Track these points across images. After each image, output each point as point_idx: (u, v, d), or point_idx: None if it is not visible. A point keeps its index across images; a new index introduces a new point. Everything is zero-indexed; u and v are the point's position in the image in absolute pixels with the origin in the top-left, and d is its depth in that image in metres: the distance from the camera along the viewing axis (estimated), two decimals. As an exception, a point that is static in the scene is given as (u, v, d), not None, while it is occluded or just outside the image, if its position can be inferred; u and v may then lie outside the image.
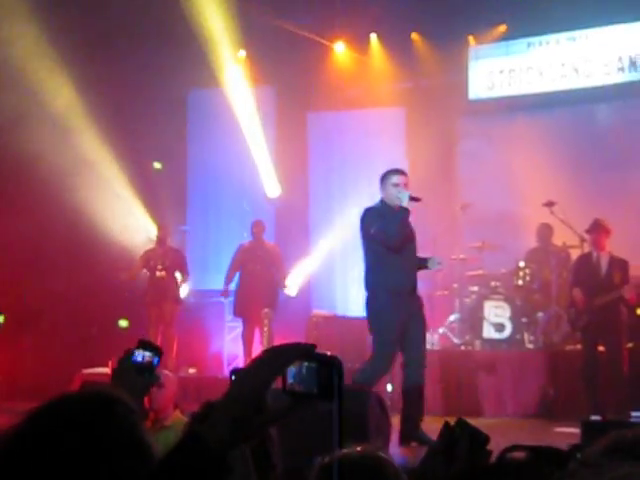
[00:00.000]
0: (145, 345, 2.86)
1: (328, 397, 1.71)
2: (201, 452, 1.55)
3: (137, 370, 2.78)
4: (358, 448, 2.52)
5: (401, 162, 13.06)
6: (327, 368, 1.70)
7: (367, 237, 7.75)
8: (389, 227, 7.55)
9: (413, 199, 7.61)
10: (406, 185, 7.78)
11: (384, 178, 7.88)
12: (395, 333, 7.55)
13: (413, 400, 7.50)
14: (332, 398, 1.73)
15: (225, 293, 12.03)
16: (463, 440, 1.87)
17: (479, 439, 1.90)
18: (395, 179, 7.79)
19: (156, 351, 2.85)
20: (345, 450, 2.47)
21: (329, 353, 1.70)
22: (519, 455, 1.75)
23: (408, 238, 7.71)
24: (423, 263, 7.86)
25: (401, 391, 7.73)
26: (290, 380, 1.71)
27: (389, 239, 7.59)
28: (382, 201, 7.79)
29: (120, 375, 2.80)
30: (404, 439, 7.31)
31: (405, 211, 7.58)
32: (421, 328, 7.73)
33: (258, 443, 2.45)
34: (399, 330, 7.53)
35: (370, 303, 7.76)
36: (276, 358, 1.69)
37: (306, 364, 1.70)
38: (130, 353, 2.82)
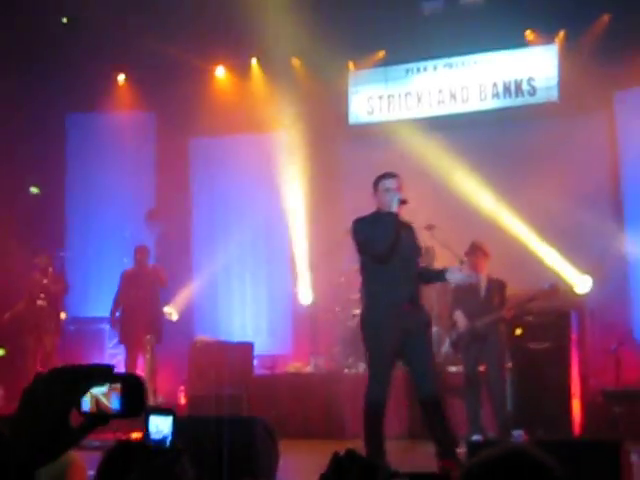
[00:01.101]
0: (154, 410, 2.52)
1: (133, 414, 1.74)
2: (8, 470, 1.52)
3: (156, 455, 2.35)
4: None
5: (282, 186, 13.16)
6: (129, 386, 1.72)
7: (357, 249, 7.32)
8: (376, 234, 7.10)
9: (403, 202, 7.06)
10: (399, 189, 7.17)
11: (376, 184, 7.28)
12: (386, 350, 7.03)
13: (431, 410, 7.00)
14: (138, 415, 1.76)
15: (113, 322, 11.89)
16: (353, 472, 1.86)
17: (370, 469, 1.89)
18: (387, 183, 7.22)
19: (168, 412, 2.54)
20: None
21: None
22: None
23: (402, 247, 7.13)
24: (439, 275, 7.40)
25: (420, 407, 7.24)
26: (86, 407, 1.72)
27: (374, 246, 7.13)
28: (376, 210, 7.25)
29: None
30: (447, 448, 6.84)
31: (393, 216, 7.04)
32: (423, 344, 7.11)
33: None
34: (391, 347, 7.01)
35: (363, 318, 7.32)
36: (72, 385, 1.67)
37: (106, 386, 1.72)
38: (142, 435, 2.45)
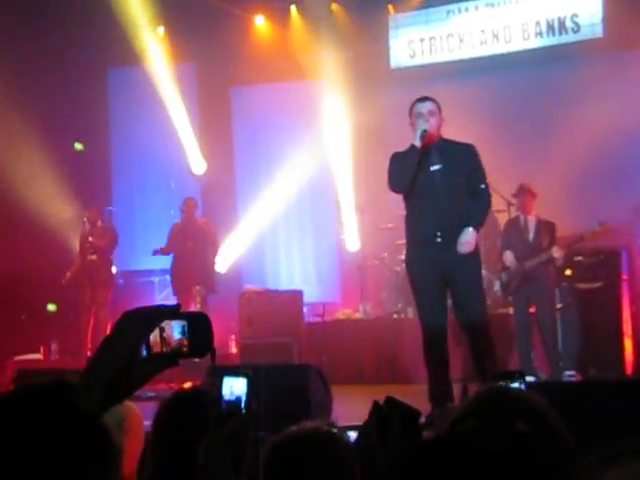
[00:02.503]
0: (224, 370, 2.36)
1: (200, 353, 1.76)
2: (72, 418, 1.53)
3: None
4: (309, 424, 2.51)
5: (325, 134, 13.11)
6: (196, 324, 1.74)
7: None
8: (398, 170, 6.67)
9: (426, 133, 6.53)
10: (432, 114, 6.65)
11: (410, 110, 6.75)
12: (423, 288, 6.71)
13: (472, 340, 6.67)
14: (204, 354, 1.77)
15: (161, 251, 11.92)
16: (394, 419, 1.85)
17: (410, 415, 1.89)
18: (419, 107, 6.70)
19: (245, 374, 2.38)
20: (296, 427, 2.47)
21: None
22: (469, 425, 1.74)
23: (430, 179, 6.64)
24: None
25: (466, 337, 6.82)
26: (158, 342, 1.73)
27: (391, 184, 6.75)
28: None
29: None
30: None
31: (413, 151, 6.56)
32: (463, 278, 6.65)
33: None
34: (428, 284, 6.65)
35: (404, 259, 7.16)
36: (142, 319, 1.70)
37: (174, 323, 1.73)
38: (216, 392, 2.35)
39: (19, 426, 1.46)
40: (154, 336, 1.73)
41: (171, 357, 1.75)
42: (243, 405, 2.27)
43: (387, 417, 1.83)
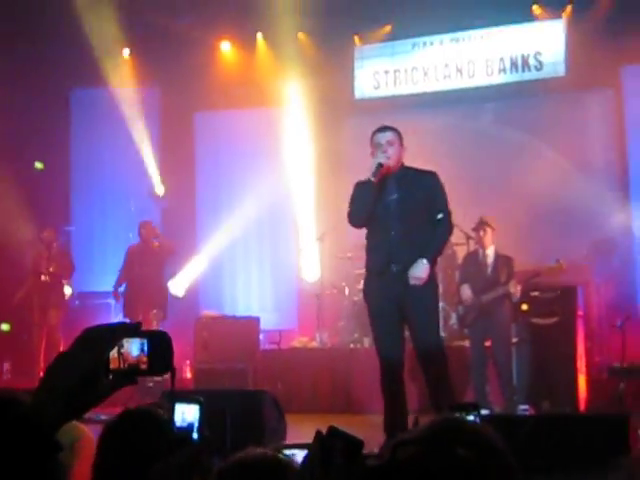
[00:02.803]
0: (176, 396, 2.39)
1: (159, 371, 1.75)
2: (29, 433, 1.53)
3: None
4: (256, 450, 2.49)
5: (287, 161, 13.15)
6: (156, 342, 1.73)
7: None
8: (355, 203, 6.62)
9: (381, 167, 6.44)
10: (391, 144, 6.56)
11: (371, 140, 6.69)
12: (376, 319, 6.63)
13: (426, 367, 6.51)
14: (163, 372, 1.76)
15: (115, 295, 11.89)
16: (336, 449, 1.84)
17: (353, 445, 1.87)
18: (378, 138, 6.64)
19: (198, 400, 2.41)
20: (242, 453, 2.45)
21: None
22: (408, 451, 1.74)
23: (384, 210, 6.53)
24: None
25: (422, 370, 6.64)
26: (111, 361, 1.73)
27: (348, 216, 6.70)
28: None
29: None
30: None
31: (369, 183, 6.47)
32: (418, 312, 6.50)
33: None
34: (381, 315, 6.54)
35: None
36: (103, 336, 1.69)
37: (132, 340, 1.73)
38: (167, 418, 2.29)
39: None
40: (112, 352, 1.72)
41: (130, 374, 1.74)
42: (195, 432, 2.24)
43: (329, 447, 1.81)
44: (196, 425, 2.25)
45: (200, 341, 11.00)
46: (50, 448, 1.53)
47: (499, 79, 12.44)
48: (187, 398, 2.29)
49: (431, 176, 6.73)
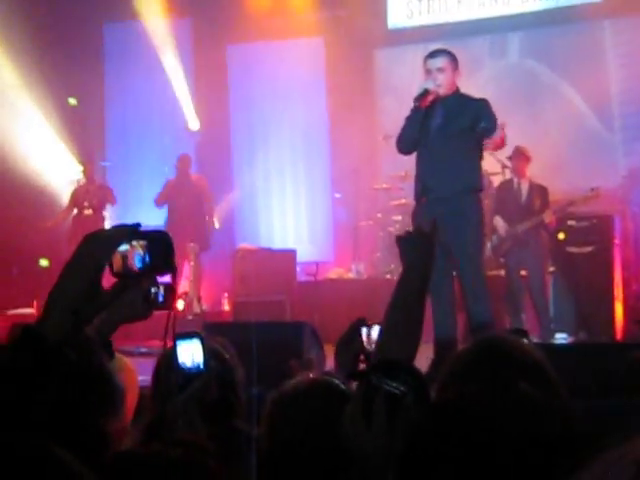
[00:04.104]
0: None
1: (160, 271, 1.77)
2: (36, 345, 1.55)
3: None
4: (310, 375, 2.54)
5: (321, 93, 13.09)
6: (156, 244, 1.75)
7: None
8: (401, 130, 6.49)
9: (427, 93, 6.25)
10: (442, 70, 6.33)
11: (423, 64, 6.49)
12: None
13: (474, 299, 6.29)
14: (165, 272, 1.79)
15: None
16: (377, 401, 1.78)
17: (394, 397, 1.80)
18: (429, 63, 6.43)
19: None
20: (294, 380, 2.49)
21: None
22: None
23: (431, 135, 6.37)
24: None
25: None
26: (119, 263, 1.75)
27: (396, 143, 6.61)
28: None
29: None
30: None
31: (416, 109, 6.32)
32: (454, 244, 6.24)
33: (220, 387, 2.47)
34: None
35: None
36: (102, 242, 1.71)
37: (135, 243, 1.75)
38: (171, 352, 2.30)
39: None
40: (117, 260, 1.73)
41: (134, 275, 1.76)
42: (202, 366, 2.26)
43: (369, 400, 1.77)
44: (202, 359, 2.27)
45: (238, 274, 11.09)
46: (59, 359, 1.56)
47: (534, 6, 12.23)
48: (187, 334, 2.30)
49: (481, 102, 6.50)
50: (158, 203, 11.91)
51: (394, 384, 1.74)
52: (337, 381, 2.46)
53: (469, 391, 1.37)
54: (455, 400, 1.48)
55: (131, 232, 1.76)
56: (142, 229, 1.79)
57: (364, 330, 2.75)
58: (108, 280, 1.79)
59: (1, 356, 1.58)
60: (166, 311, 1.96)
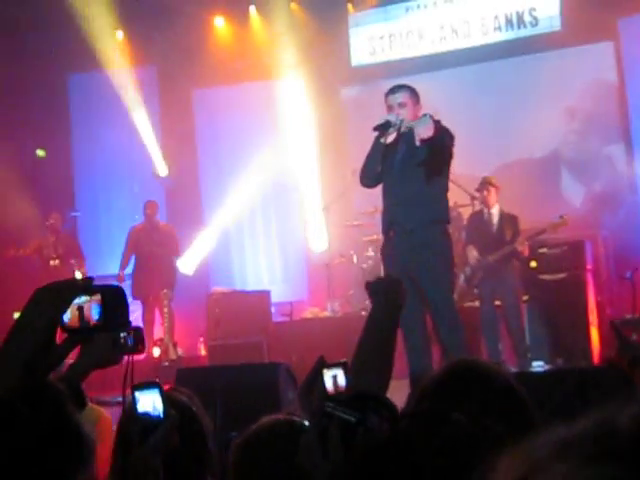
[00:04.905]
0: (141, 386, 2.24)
1: (115, 326, 1.75)
2: None
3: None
4: (271, 417, 2.52)
5: (288, 132, 13.13)
6: (111, 298, 1.72)
7: None
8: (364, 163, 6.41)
9: (381, 127, 6.16)
10: (403, 106, 6.26)
11: (385, 100, 6.43)
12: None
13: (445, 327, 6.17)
14: (120, 327, 1.76)
15: (120, 277, 11.85)
16: (332, 427, 1.80)
17: (348, 425, 1.82)
18: (389, 100, 6.37)
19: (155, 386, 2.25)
20: (258, 422, 2.48)
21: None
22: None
23: (391, 168, 6.29)
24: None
25: None
26: (67, 319, 1.72)
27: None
28: None
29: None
30: None
31: (376, 141, 6.23)
32: (421, 276, 6.16)
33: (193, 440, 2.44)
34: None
35: None
36: (55, 296, 1.69)
37: (88, 298, 1.72)
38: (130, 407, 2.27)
39: None
40: (72, 314, 1.71)
41: (86, 331, 1.73)
42: (162, 414, 2.24)
43: (325, 427, 1.78)
44: (162, 407, 2.24)
45: (212, 318, 11.05)
46: (14, 414, 1.53)
47: (495, 37, 12.37)
48: (145, 385, 2.28)
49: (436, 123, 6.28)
50: (126, 258, 11.88)
51: (348, 411, 1.73)
52: (299, 419, 2.44)
53: (402, 427, 1.36)
54: (382, 442, 1.47)
55: (85, 285, 1.73)
56: (95, 283, 1.77)
57: (325, 372, 2.72)
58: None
59: None
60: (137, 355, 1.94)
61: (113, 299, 1.74)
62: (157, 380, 2.30)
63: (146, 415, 2.21)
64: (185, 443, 2.44)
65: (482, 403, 1.82)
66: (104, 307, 1.73)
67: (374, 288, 2.90)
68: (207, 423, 2.80)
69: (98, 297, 1.74)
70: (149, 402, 2.23)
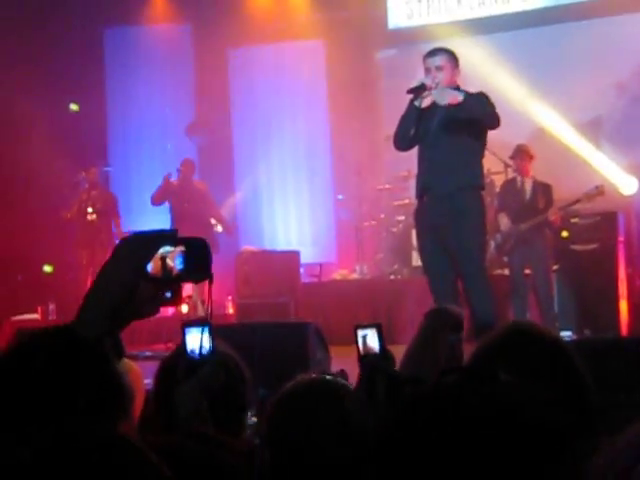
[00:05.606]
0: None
1: (196, 278, 1.77)
2: (72, 343, 1.55)
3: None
4: (312, 375, 2.53)
5: (322, 95, 13.09)
6: (194, 250, 1.75)
7: None
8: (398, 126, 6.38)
9: (421, 89, 6.12)
10: (440, 69, 6.20)
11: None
12: (423, 250, 6.47)
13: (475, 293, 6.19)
14: (201, 278, 1.78)
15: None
16: (380, 382, 1.83)
17: (394, 379, 1.86)
18: (427, 62, 6.30)
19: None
20: (294, 381, 2.49)
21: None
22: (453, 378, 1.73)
23: (427, 133, 6.26)
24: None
25: None
26: (150, 268, 1.74)
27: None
28: None
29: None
30: None
31: (410, 104, 6.21)
32: (453, 242, 6.18)
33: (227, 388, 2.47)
34: (426, 245, 6.37)
35: None
36: (141, 246, 1.70)
37: (172, 249, 1.74)
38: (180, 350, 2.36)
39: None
40: (155, 264, 1.74)
41: (170, 281, 1.76)
42: (208, 352, 2.29)
43: (372, 381, 1.81)
44: (209, 345, 2.30)
45: (241, 276, 11.08)
46: (99, 359, 1.56)
47: (535, 4, 12.21)
48: (194, 323, 2.35)
49: (479, 95, 6.35)
50: (155, 201, 11.82)
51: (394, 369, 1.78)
52: (339, 379, 2.45)
53: (445, 384, 1.35)
54: (427, 394, 1.46)
55: (171, 236, 1.76)
56: (180, 236, 1.79)
57: (359, 332, 2.74)
58: None
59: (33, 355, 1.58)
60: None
61: (196, 250, 1.77)
62: (207, 319, 2.34)
63: (194, 353, 2.26)
64: (229, 387, 2.48)
65: (533, 367, 1.83)
66: (187, 258, 1.75)
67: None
68: (248, 373, 2.83)
69: (182, 248, 1.76)
70: (197, 340, 2.28)
